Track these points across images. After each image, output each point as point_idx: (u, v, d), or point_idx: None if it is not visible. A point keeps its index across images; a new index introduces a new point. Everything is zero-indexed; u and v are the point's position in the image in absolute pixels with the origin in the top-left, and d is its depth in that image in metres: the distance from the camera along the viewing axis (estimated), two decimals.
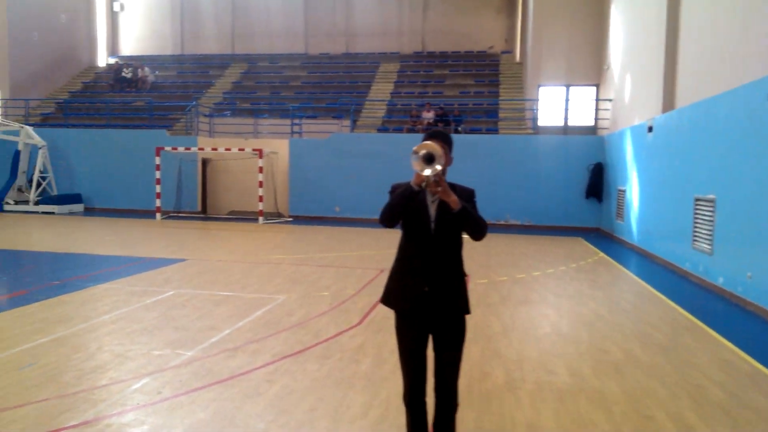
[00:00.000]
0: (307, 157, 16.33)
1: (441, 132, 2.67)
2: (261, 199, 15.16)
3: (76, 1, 23.96)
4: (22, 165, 16.86)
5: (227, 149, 15.68)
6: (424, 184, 2.43)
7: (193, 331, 5.05)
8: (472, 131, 16.81)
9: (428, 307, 2.55)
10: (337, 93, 20.33)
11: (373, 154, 15.82)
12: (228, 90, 21.58)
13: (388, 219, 2.56)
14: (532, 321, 5.86)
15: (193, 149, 16.03)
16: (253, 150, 15.32)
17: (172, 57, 24.74)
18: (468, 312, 2.63)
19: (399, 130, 17.25)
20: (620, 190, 12.66)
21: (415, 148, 2.41)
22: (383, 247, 10.76)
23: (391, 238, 11.99)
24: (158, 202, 15.59)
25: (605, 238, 13.36)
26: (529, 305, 6.50)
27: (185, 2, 24.86)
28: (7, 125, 17.22)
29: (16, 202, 16.58)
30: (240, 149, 15.53)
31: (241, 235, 12.49)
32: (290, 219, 16.04)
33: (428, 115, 17.03)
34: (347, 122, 17.75)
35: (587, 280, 8.11)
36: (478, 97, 19.50)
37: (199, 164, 16.94)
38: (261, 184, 15.14)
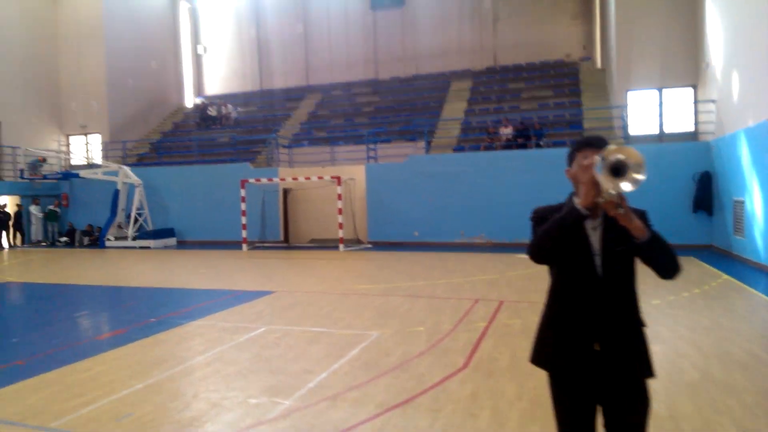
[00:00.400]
0: (384, 182, 16.16)
1: (599, 138, 2.09)
2: (341, 226, 15.11)
3: (165, 47, 25.70)
4: (121, 203, 17.99)
5: (306, 178, 15.85)
6: (602, 203, 1.84)
7: (289, 375, 4.80)
8: (556, 144, 15.93)
9: (599, 370, 2.00)
10: (409, 115, 20.18)
11: (451, 175, 15.37)
12: (304, 120, 22.07)
13: (544, 255, 2.03)
14: (673, 364, 4.91)
15: (275, 180, 16.37)
16: (331, 177, 15.36)
17: (252, 93, 25.82)
18: (652, 375, 2.05)
19: (476, 149, 16.70)
20: (737, 201, 11.28)
21: (603, 152, 1.84)
22: (471, 273, 10.21)
23: (481, 264, 11.48)
24: (244, 233, 15.98)
25: (722, 256, 11.92)
26: (663, 343, 5.56)
27: (261, 41, 25.95)
28: (108, 167, 18.52)
29: (116, 238, 17.66)
30: (319, 177, 15.64)
31: (324, 263, 12.40)
32: (369, 245, 15.85)
33: (506, 131, 16.38)
34: (422, 144, 17.47)
35: (720, 308, 7.06)
36: (559, 108, 18.57)
37: (281, 194, 17.27)
38: (340, 211, 15.11)
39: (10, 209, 18.88)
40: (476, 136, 17.75)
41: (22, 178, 19.32)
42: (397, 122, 20.01)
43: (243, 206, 16.04)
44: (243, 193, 16.04)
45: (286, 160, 19.08)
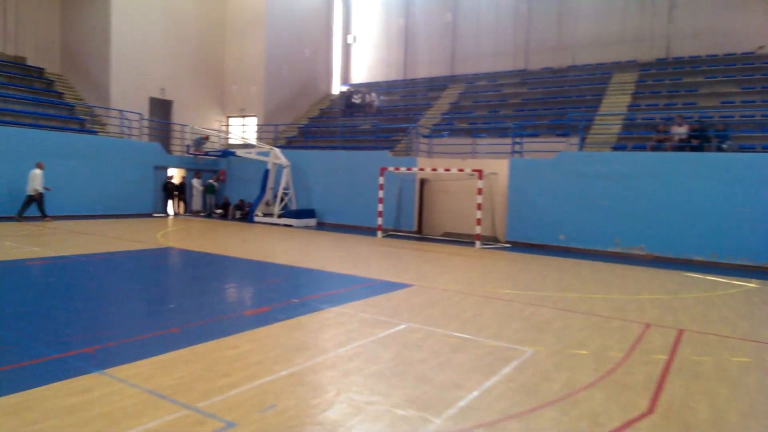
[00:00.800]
0: (529, 178, 15.04)
1: None
2: (479, 222, 14.36)
3: (317, 36, 26.76)
4: (270, 182, 19.02)
5: (446, 169, 15.30)
6: None
7: (436, 386, 4.29)
8: (742, 149, 13.54)
9: None
10: (561, 109, 18.65)
11: (608, 176, 13.78)
12: (446, 111, 21.53)
13: None
14: None
15: (414, 169, 16.07)
16: (473, 170, 14.64)
17: (395, 82, 25.90)
18: None
19: (640, 148, 14.83)
20: None
21: None
22: (634, 291, 8.91)
23: (645, 281, 9.96)
24: (380, 221, 15.95)
25: None
26: None
27: (409, 30, 25.85)
28: (260, 147, 19.69)
29: (264, 215, 18.74)
30: (459, 169, 15.00)
31: (460, 260, 11.80)
32: (507, 245, 14.90)
33: (680, 130, 14.29)
34: (575, 140, 15.96)
35: None
36: (747, 107, 15.83)
37: (417, 184, 16.96)
38: (480, 207, 14.35)
39: (177, 181, 20.95)
40: (641, 135, 15.80)
41: (187, 153, 21.35)
42: (547, 115, 18.61)
43: (380, 193, 16.00)
44: (381, 180, 15.99)
45: (425, 150, 18.73)
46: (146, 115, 21.46)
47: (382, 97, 23.90)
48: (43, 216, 15.53)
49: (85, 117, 20.14)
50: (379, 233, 15.88)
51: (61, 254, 10.18)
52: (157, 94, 22.15)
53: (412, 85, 25.19)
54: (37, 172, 15.26)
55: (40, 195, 15.32)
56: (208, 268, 9.86)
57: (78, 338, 5.18)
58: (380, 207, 16.01)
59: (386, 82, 26.22)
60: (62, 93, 20.86)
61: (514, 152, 16.25)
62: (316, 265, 10.14)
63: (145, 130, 21.17)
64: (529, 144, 16.49)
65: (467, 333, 5.92)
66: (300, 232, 16.47)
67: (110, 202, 18.15)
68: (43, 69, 21.35)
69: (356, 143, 20.60)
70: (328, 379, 4.42)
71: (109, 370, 4.32)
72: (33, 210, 15.39)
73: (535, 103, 19.97)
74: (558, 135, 16.98)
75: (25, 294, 7.04)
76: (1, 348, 4.77)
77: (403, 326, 6.06)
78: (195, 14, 23.44)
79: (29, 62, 21.10)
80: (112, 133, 19.88)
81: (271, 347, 5.13)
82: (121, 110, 20.11)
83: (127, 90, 20.86)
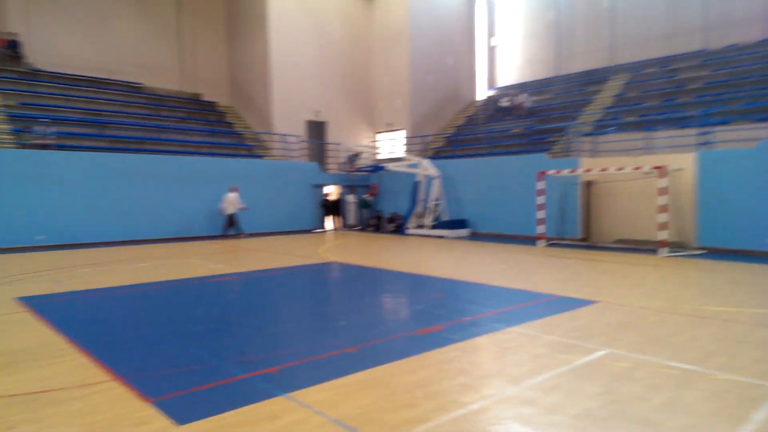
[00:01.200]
0: (725, 173, 12.76)
1: None
2: (663, 226, 12.48)
3: (460, 42, 26.29)
4: (421, 194, 18.87)
5: (619, 168, 13.63)
6: None
7: None
8: None
9: None
10: (759, 89, 15.70)
11: None
12: (609, 105, 19.50)
13: None
14: None
15: (578, 171, 14.64)
16: (653, 167, 12.82)
17: (546, 80, 24.33)
18: None
19: None
20: None
21: None
22: None
23: None
24: (540, 229, 14.78)
25: None
26: None
27: (559, 24, 24.16)
28: (409, 160, 19.67)
29: (416, 227, 18.61)
30: (636, 168, 13.25)
31: (644, 270, 10.24)
32: (699, 252, 12.74)
33: None
34: None
35: None
36: None
37: (580, 187, 15.44)
38: (663, 209, 12.48)
39: (333, 197, 21.86)
40: None
41: (341, 170, 22.19)
42: (739, 99, 15.80)
43: (540, 199, 14.83)
44: (540, 185, 14.82)
45: (587, 149, 17.05)
46: (304, 137, 22.83)
47: (533, 98, 22.54)
48: (238, 234, 17.69)
49: (252, 143, 22.03)
50: (541, 242, 14.69)
51: (240, 270, 10.89)
52: (312, 117, 23.46)
53: (566, 81, 23.40)
54: (231, 195, 17.49)
55: (234, 215, 17.53)
56: (370, 283, 9.77)
57: (261, 357, 5.18)
58: (540, 214, 14.84)
59: (536, 81, 24.75)
60: (232, 123, 23.10)
61: (702, 144, 13.98)
62: (480, 279, 9.48)
63: (304, 151, 22.50)
64: (721, 133, 14.05)
65: (688, 363, 4.81)
66: (454, 243, 15.95)
67: (276, 219, 19.48)
68: (215, 102, 23.89)
69: (506, 148, 19.59)
70: (528, 417, 3.74)
71: (294, 394, 4.15)
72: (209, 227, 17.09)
73: (722, 86, 17.11)
74: (757, 120, 14.25)
75: (210, 310, 7.47)
76: (194, 366, 4.91)
77: (602, 352, 5.13)
78: (341, 34, 24.44)
79: (204, 98, 23.77)
80: (275, 156, 21.44)
81: (453, 373, 4.61)
82: (282, 134, 21.62)
83: (286, 115, 22.38)
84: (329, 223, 21.52)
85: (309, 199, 20.75)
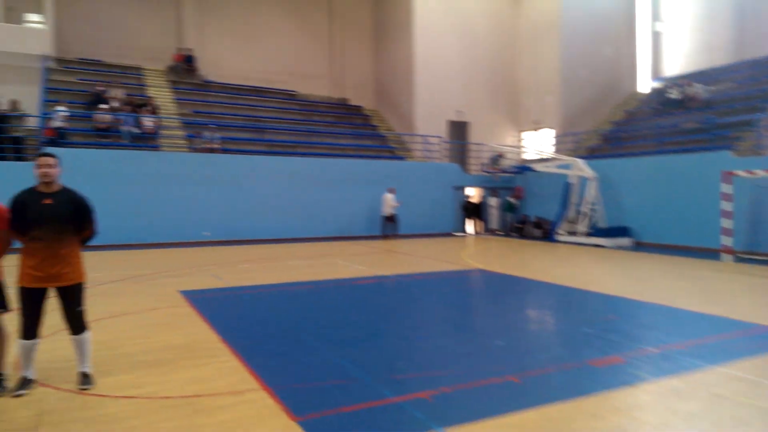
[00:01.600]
0: None
1: None
2: None
3: (618, 31, 23.77)
4: (573, 197, 17.24)
5: None
6: None
7: None
8: None
9: None
10: None
11: None
12: None
13: None
14: None
15: None
16: None
17: (724, 68, 20.91)
18: None
19: None
20: None
21: None
22: None
23: None
24: (727, 240, 12.48)
25: None
26: None
27: (744, 3, 20.62)
28: (560, 159, 18.11)
29: (567, 233, 17.04)
30: None
31: None
32: None
33: None
34: None
35: None
36: None
37: None
38: None
39: (475, 200, 21.01)
40: None
41: (484, 172, 21.26)
42: None
43: (726, 205, 12.54)
44: (726, 188, 12.53)
45: None
46: (445, 138, 22.32)
47: (710, 87, 19.48)
48: (394, 235, 18.01)
49: (395, 145, 22.08)
50: (727, 256, 12.40)
51: (383, 273, 10.65)
52: (453, 117, 22.85)
53: (751, 68, 19.86)
54: (389, 196, 17.86)
55: (393, 216, 17.81)
56: (524, 295, 8.87)
57: (411, 377, 4.67)
58: (727, 222, 12.54)
59: (712, 69, 21.37)
60: (376, 126, 23.40)
61: None
62: (657, 299, 8.05)
63: (445, 153, 21.99)
64: None
65: None
66: (614, 253, 14.19)
67: (417, 221, 19.20)
68: (361, 107, 24.41)
69: (676, 145, 17.07)
70: None
71: (451, 430, 3.55)
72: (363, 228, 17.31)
73: None
74: None
75: (357, 315, 7.21)
76: (341, 381, 4.56)
77: None
78: (486, 32, 23.49)
79: (351, 102, 24.42)
80: (416, 158, 21.22)
81: (652, 426, 3.64)
82: (423, 135, 21.33)
83: (428, 116, 22.07)
84: (470, 226, 20.72)
85: (450, 202, 20.18)
